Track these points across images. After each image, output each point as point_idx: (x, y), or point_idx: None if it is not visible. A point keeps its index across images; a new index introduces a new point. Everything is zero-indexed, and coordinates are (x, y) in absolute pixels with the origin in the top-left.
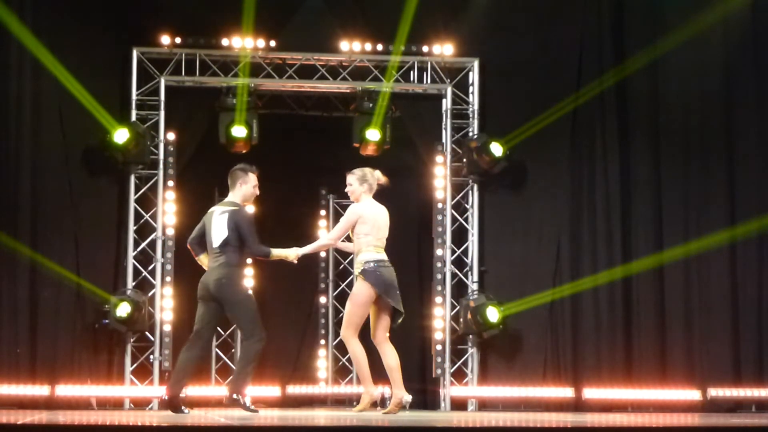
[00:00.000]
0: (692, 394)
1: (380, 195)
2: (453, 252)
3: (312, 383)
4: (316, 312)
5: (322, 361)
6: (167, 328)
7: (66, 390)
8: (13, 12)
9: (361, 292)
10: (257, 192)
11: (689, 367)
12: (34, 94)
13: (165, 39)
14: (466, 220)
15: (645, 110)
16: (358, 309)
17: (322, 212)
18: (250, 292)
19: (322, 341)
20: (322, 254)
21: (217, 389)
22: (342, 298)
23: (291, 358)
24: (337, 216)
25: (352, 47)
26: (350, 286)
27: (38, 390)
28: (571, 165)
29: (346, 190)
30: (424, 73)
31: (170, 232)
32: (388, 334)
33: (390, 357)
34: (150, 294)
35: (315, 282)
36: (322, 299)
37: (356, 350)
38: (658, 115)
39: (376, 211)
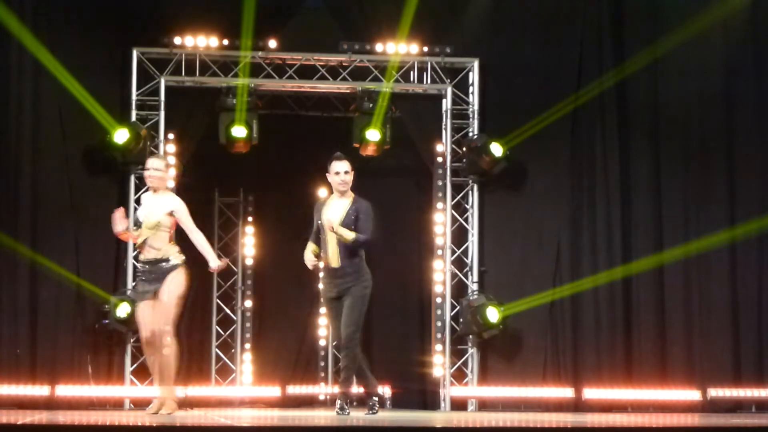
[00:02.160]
0: (692, 395)
1: (381, 195)
2: (453, 252)
3: (312, 383)
4: (316, 311)
5: (322, 362)
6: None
7: (66, 390)
8: (13, 12)
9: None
10: (339, 179)
11: (689, 367)
12: (34, 94)
13: (165, 39)
14: (466, 220)
15: (645, 110)
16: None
17: None
18: None
19: (322, 342)
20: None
21: (217, 389)
22: None
23: (291, 359)
24: None
25: (352, 47)
26: None
27: (38, 390)
28: (571, 165)
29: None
30: (424, 73)
31: None
32: None
33: None
34: None
35: (315, 281)
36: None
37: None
38: (658, 115)
39: None
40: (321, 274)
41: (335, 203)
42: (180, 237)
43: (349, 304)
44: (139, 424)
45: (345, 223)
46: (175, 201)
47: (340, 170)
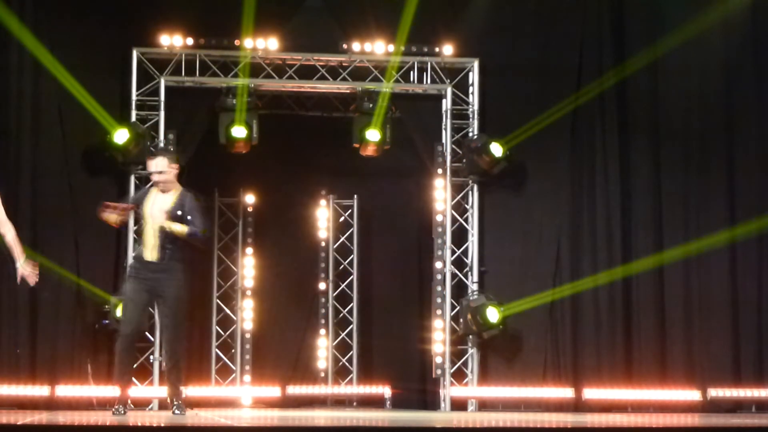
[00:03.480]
0: (692, 395)
1: (382, 194)
2: (453, 252)
3: (312, 383)
4: (316, 312)
5: (322, 362)
6: None
7: (66, 390)
8: (14, 12)
9: None
10: (155, 179)
11: (689, 368)
12: (34, 95)
13: (165, 39)
14: (466, 220)
15: (645, 110)
16: None
17: (323, 213)
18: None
19: (323, 342)
20: (322, 254)
21: (217, 389)
22: (342, 298)
23: (291, 359)
24: (337, 216)
25: (352, 47)
26: (350, 286)
27: (38, 390)
28: (571, 165)
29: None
30: (424, 73)
31: None
32: None
33: None
34: None
35: (315, 282)
36: (322, 299)
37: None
38: (658, 115)
39: None
40: (130, 262)
41: (160, 197)
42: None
43: (170, 307)
44: (139, 424)
45: (170, 218)
46: None
47: (152, 170)
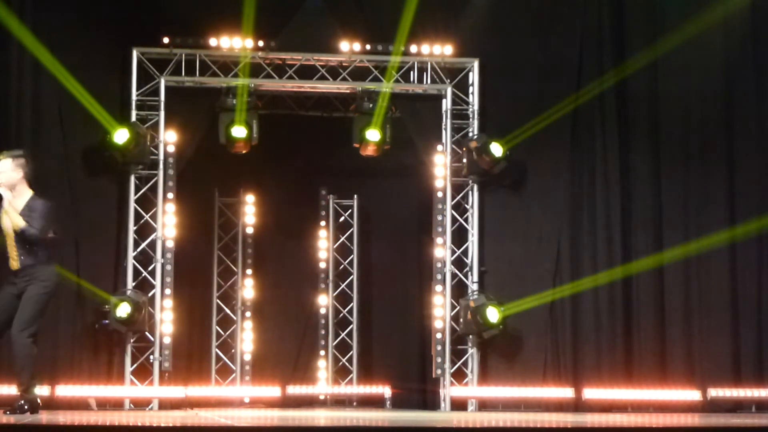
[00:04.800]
0: (692, 395)
1: (382, 194)
2: (453, 252)
3: (312, 383)
4: (316, 312)
5: (322, 362)
6: (167, 328)
7: (66, 390)
8: (14, 12)
9: None
10: None
11: (689, 367)
12: (34, 95)
13: (165, 39)
14: (466, 220)
15: (645, 110)
16: None
17: (322, 212)
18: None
19: (322, 341)
20: (323, 254)
21: (217, 389)
22: (342, 298)
23: (291, 359)
24: (337, 216)
25: (352, 47)
26: (350, 286)
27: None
28: (571, 165)
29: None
30: (424, 73)
31: (170, 232)
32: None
33: None
34: (150, 294)
35: (315, 282)
36: (322, 299)
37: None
38: (658, 115)
39: None
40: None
41: (14, 201)
42: None
43: (24, 301)
44: (139, 424)
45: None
46: None
47: None
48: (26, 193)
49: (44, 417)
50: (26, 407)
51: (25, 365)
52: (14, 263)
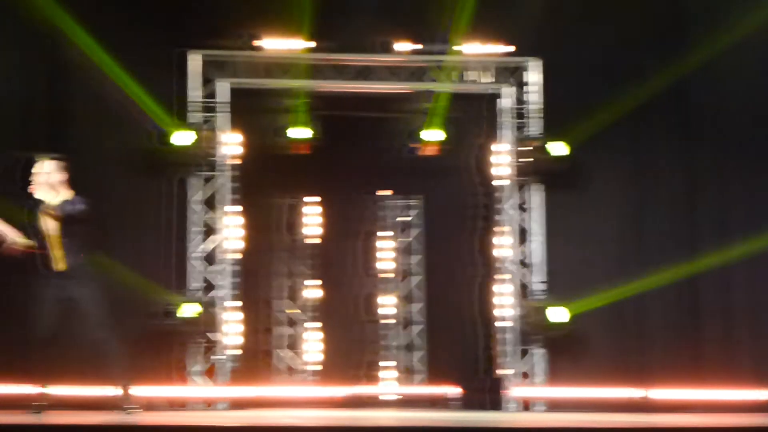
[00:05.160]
0: (761, 394)
1: (443, 194)
2: (516, 253)
3: (378, 383)
4: (381, 312)
5: (388, 362)
6: (232, 328)
7: (133, 391)
8: (73, 14)
9: None
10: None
11: (757, 367)
12: (93, 96)
13: (226, 41)
14: (528, 220)
15: (708, 109)
16: None
17: (385, 213)
18: None
19: (388, 342)
20: (386, 254)
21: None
22: (409, 298)
23: (357, 359)
24: (400, 216)
25: (410, 47)
26: (417, 286)
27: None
28: (634, 164)
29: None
30: (483, 72)
31: (233, 233)
32: None
33: None
34: (215, 294)
35: (379, 283)
36: (388, 299)
37: None
38: (721, 113)
39: None
40: None
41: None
42: None
43: (86, 305)
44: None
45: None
46: None
47: (39, 172)
48: (67, 195)
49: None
50: (135, 404)
51: (115, 363)
52: (60, 264)
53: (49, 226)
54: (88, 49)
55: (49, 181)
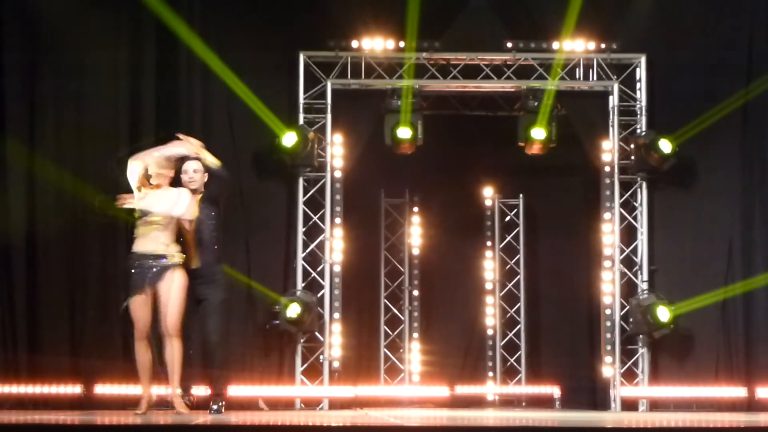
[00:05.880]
0: None
1: (548, 193)
2: (622, 251)
3: (480, 383)
4: (483, 312)
5: (490, 362)
6: (337, 328)
7: (237, 390)
8: (182, 16)
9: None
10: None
11: None
12: (204, 99)
13: (331, 42)
14: (634, 218)
15: None
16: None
17: (488, 212)
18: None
19: (490, 341)
20: (488, 253)
21: (386, 389)
22: (509, 297)
23: (459, 359)
24: (503, 215)
25: (516, 46)
26: (517, 286)
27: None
28: (741, 161)
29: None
30: (590, 69)
31: (338, 233)
32: None
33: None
34: (319, 295)
35: (481, 282)
36: (489, 299)
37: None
38: None
39: None
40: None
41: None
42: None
43: (211, 308)
44: (310, 423)
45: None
46: None
47: (190, 171)
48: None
49: (232, 417)
50: (223, 407)
51: (222, 367)
52: (195, 262)
53: (185, 224)
54: (199, 51)
55: (199, 181)
